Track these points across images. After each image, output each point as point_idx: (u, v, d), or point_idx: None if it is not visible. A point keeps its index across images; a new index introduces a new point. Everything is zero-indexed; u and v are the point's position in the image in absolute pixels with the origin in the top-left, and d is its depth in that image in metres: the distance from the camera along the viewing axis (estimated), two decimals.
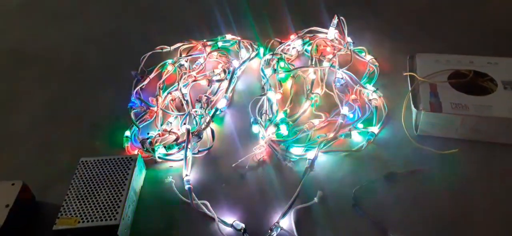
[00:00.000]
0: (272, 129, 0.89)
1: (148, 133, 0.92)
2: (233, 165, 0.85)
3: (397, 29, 1.22)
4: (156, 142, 0.89)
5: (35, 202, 0.82)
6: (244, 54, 1.14)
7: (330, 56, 1.08)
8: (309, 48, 1.13)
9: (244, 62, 1.11)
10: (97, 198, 0.75)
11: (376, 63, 1.05)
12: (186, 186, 0.79)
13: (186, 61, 1.13)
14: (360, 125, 0.90)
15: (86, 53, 1.30)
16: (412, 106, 0.87)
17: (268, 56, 1.11)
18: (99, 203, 0.74)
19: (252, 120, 0.93)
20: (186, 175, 0.80)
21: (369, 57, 1.07)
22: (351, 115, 0.92)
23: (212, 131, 0.92)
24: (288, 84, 1.04)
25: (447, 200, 0.75)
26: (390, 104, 0.94)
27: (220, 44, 1.19)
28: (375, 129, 0.88)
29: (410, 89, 0.91)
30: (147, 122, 0.97)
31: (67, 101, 1.11)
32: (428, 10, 1.30)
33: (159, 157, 0.87)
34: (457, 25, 1.21)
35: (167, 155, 0.87)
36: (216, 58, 1.15)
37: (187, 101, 0.99)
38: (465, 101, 0.84)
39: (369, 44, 1.12)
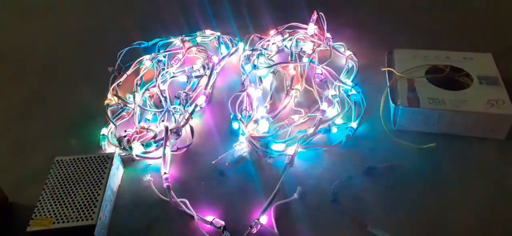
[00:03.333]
0: (252, 125, 0.88)
1: (125, 131, 0.90)
2: (213, 162, 0.84)
3: (376, 24, 1.23)
4: (133, 139, 0.87)
5: (8, 203, 0.80)
6: (223, 49, 1.13)
7: (310, 51, 1.08)
8: (289, 43, 1.12)
9: (223, 58, 1.10)
10: (73, 198, 0.73)
11: (355, 59, 1.06)
12: (165, 184, 0.77)
13: (165, 57, 1.11)
14: (339, 121, 0.90)
15: (61, 49, 1.27)
16: (390, 101, 0.88)
17: (248, 52, 1.10)
18: (75, 203, 0.72)
19: (232, 116, 0.92)
20: (165, 173, 0.79)
21: (348, 53, 1.07)
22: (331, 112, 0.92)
23: (191, 128, 0.90)
24: (268, 80, 1.03)
25: (425, 193, 0.75)
26: (368, 99, 0.94)
27: (199, 39, 1.18)
28: (354, 124, 0.88)
29: (388, 84, 0.92)
30: (125, 119, 0.96)
31: (42, 99, 1.08)
32: (406, 5, 1.31)
33: (137, 155, 0.85)
34: (435, 21, 1.23)
35: (145, 153, 0.86)
36: (195, 54, 1.13)
37: (165, 97, 0.98)
38: (442, 96, 0.85)
39: (348, 39, 1.13)
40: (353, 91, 0.95)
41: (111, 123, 0.92)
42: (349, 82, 0.98)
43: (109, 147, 0.89)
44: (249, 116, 0.91)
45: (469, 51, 0.97)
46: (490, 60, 0.94)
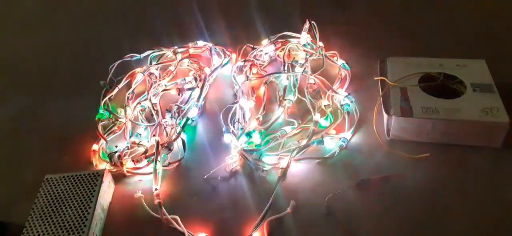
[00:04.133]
0: (244, 138, 0.87)
1: (116, 146, 0.89)
2: (205, 176, 0.83)
3: (369, 32, 1.22)
4: (125, 155, 0.86)
5: None
6: (216, 60, 1.12)
7: (302, 61, 1.08)
8: (282, 53, 1.11)
9: (215, 69, 1.09)
10: (62, 217, 0.72)
11: (348, 68, 1.05)
12: (156, 201, 0.76)
13: (157, 69, 1.10)
14: (332, 131, 0.89)
15: (53, 63, 1.26)
16: (383, 111, 0.87)
17: (240, 63, 1.09)
18: (64, 222, 0.71)
19: (224, 129, 0.91)
20: (156, 189, 0.78)
21: (340, 62, 1.06)
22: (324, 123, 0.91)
23: (183, 142, 0.89)
24: (261, 90, 1.02)
25: (420, 205, 0.74)
26: (362, 109, 0.93)
27: (191, 51, 1.17)
28: (347, 135, 0.87)
29: (381, 93, 0.91)
30: (116, 134, 0.94)
31: (33, 113, 1.07)
32: (399, 13, 1.30)
33: (128, 171, 0.84)
34: (428, 27, 1.22)
35: (136, 168, 0.84)
36: (187, 65, 1.12)
37: (157, 111, 0.97)
38: (435, 104, 0.84)
39: (341, 48, 1.12)
40: (346, 101, 0.94)
41: (102, 138, 0.91)
42: (342, 91, 0.97)
43: (100, 163, 0.88)
44: (242, 129, 0.90)
45: (463, 58, 0.97)
46: (484, 66, 0.93)
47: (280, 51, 1.13)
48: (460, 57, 0.97)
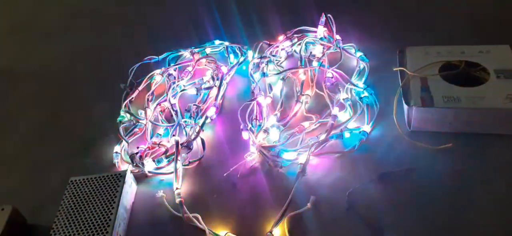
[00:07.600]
0: (262, 135, 0.87)
1: (137, 147, 0.90)
2: (225, 174, 0.83)
3: (386, 23, 1.19)
4: (146, 155, 0.88)
5: (27, 225, 0.81)
6: (232, 59, 1.12)
7: (320, 55, 1.06)
8: (298, 48, 1.10)
9: (232, 67, 1.09)
10: (87, 218, 0.74)
11: (367, 59, 1.03)
12: (177, 200, 0.77)
13: (175, 70, 1.11)
14: (352, 125, 0.88)
15: (75, 69, 1.29)
16: (403, 102, 0.85)
17: (256, 60, 1.09)
18: (89, 222, 0.73)
19: (242, 127, 0.91)
20: (177, 188, 0.79)
21: (358, 54, 1.05)
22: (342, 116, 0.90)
23: (203, 141, 0.90)
24: (278, 87, 1.02)
25: (443, 196, 0.73)
26: (382, 101, 0.92)
27: (208, 50, 1.18)
28: (367, 127, 0.86)
29: (400, 84, 0.89)
30: (137, 135, 0.96)
31: (57, 119, 1.10)
32: (416, 1, 1.27)
33: (149, 171, 0.86)
34: (447, 15, 1.18)
35: (157, 168, 0.86)
36: (205, 65, 1.13)
37: (176, 111, 0.98)
38: (457, 93, 0.82)
39: (358, 40, 1.10)
40: (365, 93, 0.93)
41: (123, 140, 0.93)
42: (361, 84, 0.96)
43: (123, 165, 0.90)
44: (260, 126, 0.90)
45: (486, 44, 0.93)
46: (508, 52, 0.90)
47: (297, 46, 1.12)
48: (484, 43, 0.93)
